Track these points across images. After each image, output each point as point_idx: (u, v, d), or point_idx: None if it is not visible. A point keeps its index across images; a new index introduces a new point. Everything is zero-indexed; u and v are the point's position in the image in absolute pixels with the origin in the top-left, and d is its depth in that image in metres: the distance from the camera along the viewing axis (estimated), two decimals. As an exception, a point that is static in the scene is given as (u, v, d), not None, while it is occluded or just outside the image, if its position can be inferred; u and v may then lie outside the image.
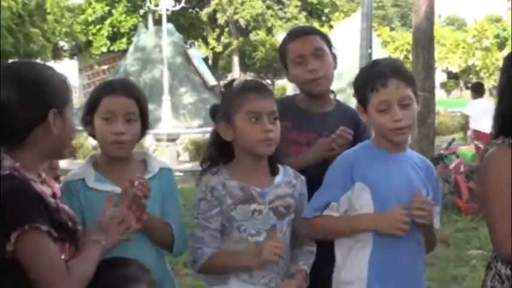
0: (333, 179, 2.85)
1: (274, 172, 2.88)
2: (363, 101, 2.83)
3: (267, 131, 2.75)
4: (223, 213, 2.78)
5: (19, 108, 2.23)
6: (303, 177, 2.96)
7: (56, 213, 2.22)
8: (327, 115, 3.31)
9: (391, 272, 2.82)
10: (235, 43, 42.86)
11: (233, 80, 2.98)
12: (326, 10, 44.24)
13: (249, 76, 42.96)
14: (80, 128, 2.86)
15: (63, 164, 2.87)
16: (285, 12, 42.84)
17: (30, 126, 2.25)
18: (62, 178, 3.02)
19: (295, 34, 3.44)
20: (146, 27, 25.36)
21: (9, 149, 2.26)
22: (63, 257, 2.20)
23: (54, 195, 2.31)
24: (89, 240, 2.35)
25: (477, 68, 40.29)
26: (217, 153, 2.89)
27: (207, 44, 44.20)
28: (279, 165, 2.91)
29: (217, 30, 43.81)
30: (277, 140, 2.80)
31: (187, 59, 23.69)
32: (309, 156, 3.18)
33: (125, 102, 2.80)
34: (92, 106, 2.82)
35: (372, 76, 2.80)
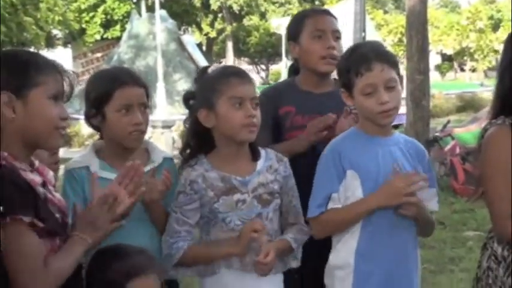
0: (326, 170, 2.84)
1: (255, 157, 2.85)
2: (347, 85, 2.82)
3: (250, 116, 2.72)
4: (205, 206, 2.75)
5: None
6: (285, 158, 2.93)
7: (44, 204, 2.18)
8: (329, 95, 3.28)
9: (378, 259, 2.82)
10: (228, 28, 42.75)
11: (207, 67, 2.94)
12: (320, -6, 44.14)
13: (243, 61, 43.01)
14: (75, 116, 2.84)
15: (59, 152, 2.85)
16: (278, -3, 42.69)
17: None
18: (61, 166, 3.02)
19: (316, 10, 3.50)
20: (139, 14, 25.26)
21: None
22: (51, 253, 2.18)
23: (44, 184, 2.26)
24: (75, 236, 2.30)
25: (471, 50, 40.26)
26: (195, 142, 2.85)
27: (200, 30, 44.05)
28: (260, 149, 2.87)
29: (211, 16, 43.66)
30: (259, 125, 2.77)
31: (181, 46, 23.64)
32: (299, 144, 3.16)
33: (138, 92, 2.82)
34: (101, 99, 2.79)
35: (356, 60, 2.79)
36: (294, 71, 3.49)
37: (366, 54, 2.79)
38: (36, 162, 2.33)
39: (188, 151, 2.86)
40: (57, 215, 2.25)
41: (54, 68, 2.27)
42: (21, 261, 2.09)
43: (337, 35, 3.31)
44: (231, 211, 2.75)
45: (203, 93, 2.80)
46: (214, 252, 2.76)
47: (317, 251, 2.92)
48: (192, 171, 2.77)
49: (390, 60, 2.81)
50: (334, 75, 3.36)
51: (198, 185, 2.75)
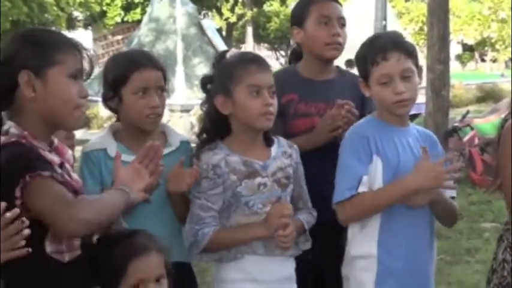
0: (355, 153, 2.80)
1: (269, 143, 2.86)
2: (364, 74, 2.81)
3: (267, 105, 2.73)
4: (228, 190, 2.75)
5: (2, 72, 2.19)
6: (295, 145, 2.94)
7: (62, 182, 2.18)
8: (332, 82, 3.29)
9: (399, 249, 2.82)
10: (249, 14, 42.62)
11: (226, 51, 2.93)
12: (341, -19, 43.90)
13: (263, 47, 42.92)
14: (94, 98, 2.85)
15: (77, 133, 2.86)
16: (299, -17, 42.47)
17: (9, 89, 2.19)
18: (76, 148, 3.02)
19: None
20: (160, -3, 25.27)
21: (11, 116, 2.23)
22: None
23: (61, 165, 2.26)
24: (113, 188, 2.34)
25: (493, 40, 39.94)
26: (212, 127, 2.84)
27: (221, 14, 43.95)
28: (273, 137, 2.88)
29: (231, 1, 43.56)
30: (275, 113, 2.78)
31: (201, 30, 23.62)
32: (314, 140, 3.14)
33: (156, 75, 2.82)
34: (117, 81, 2.79)
35: (372, 50, 2.79)
36: (295, 57, 3.46)
37: (383, 44, 2.79)
38: (56, 141, 2.34)
39: (205, 135, 2.86)
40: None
41: (73, 46, 2.27)
42: (52, 203, 2.09)
43: (342, 22, 3.30)
44: (254, 194, 2.76)
45: (221, 79, 2.79)
46: (241, 236, 2.76)
47: (323, 238, 2.97)
48: (213, 155, 2.77)
49: (408, 50, 2.80)
50: (337, 62, 3.38)
51: (221, 169, 2.75)
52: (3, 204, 1.98)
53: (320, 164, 2.99)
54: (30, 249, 2.04)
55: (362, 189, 2.75)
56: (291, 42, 3.48)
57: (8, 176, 2.07)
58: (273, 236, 2.72)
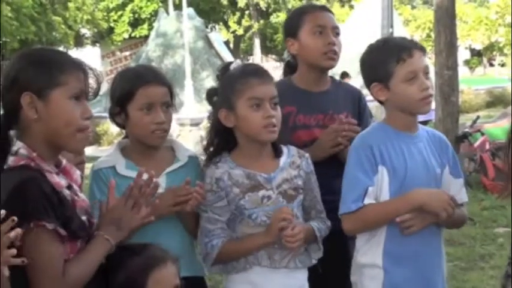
0: (359, 164, 2.79)
1: (278, 154, 2.85)
2: (384, 76, 2.80)
3: (269, 117, 2.72)
4: (231, 203, 2.75)
5: (4, 91, 2.20)
6: (307, 154, 2.92)
7: (69, 207, 2.19)
8: (328, 93, 3.28)
9: (406, 258, 2.82)
10: (256, 26, 42.76)
11: (229, 63, 2.93)
12: (346, -10, 44.03)
13: (270, 58, 43.00)
14: (104, 114, 2.85)
15: (88, 150, 2.86)
16: (305, -6, 42.66)
17: (14, 110, 2.19)
18: (87, 165, 3.03)
19: (315, 6, 3.45)
20: (167, 12, 25.34)
21: (18, 134, 2.22)
22: (70, 255, 2.18)
23: (69, 187, 2.25)
24: (99, 236, 2.29)
25: (501, 45, 39.94)
26: (218, 139, 2.84)
27: (227, 27, 44.13)
28: (282, 146, 2.87)
29: (238, 14, 43.70)
30: (279, 125, 2.77)
31: (209, 43, 23.68)
32: (318, 153, 3.10)
33: (161, 91, 2.81)
34: (123, 98, 2.79)
35: (395, 49, 2.79)
36: (290, 69, 3.45)
37: (404, 43, 2.84)
38: (64, 161, 2.33)
39: (212, 149, 2.86)
40: (84, 217, 2.26)
41: (77, 66, 2.25)
42: (41, 270, 2.10)
43: (336, 31, 3.28)
44: (257, 207, 2.75)
45: (223, 93, 2.81)
46: (247, 245, 2.76)
47: (336, 248, 2.95)
48: (216, 169, 2.78)
49: (423, 49, 2.84)
50: (331, 73, 3.38)
51: (224, 183, 2.75)
52: (3, 212, 1.96)
53: (322, 173, 2.96)
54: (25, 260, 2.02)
55: (368, 200, 2.75)
56: (285, 54, 3.46)
57: (15, 211, 2.01)
58: (277, 242, 2.72)
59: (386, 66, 2.79)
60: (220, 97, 2.82)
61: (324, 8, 3.39)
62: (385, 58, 2.80)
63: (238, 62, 2.95)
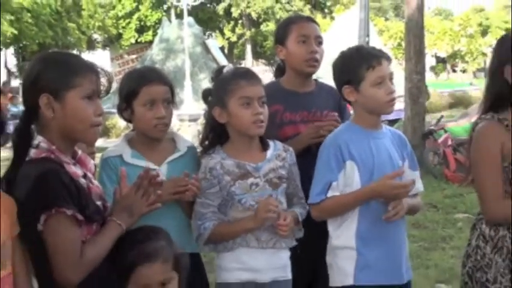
0: (326, 161, 2.83)
1: (265, 147, 2.86)
2: (354, 79, 2.82)
3: (257, 114, 2.74)
4: (223, 189, 2.76)
5: (25, 91, 2.21)
6: (291, 148, 2.94)
7: (85, 194, 2.19)
8: (312, 94, 3.29)
9: (376, 240, 2.84)
10: (248, 34, 42.73)
11: (222, 67, 2.95)
12: (328, 3, 44.00)
13: (260, 63, 42.93)
14: (113, 110, 2.85)
15: (97, 142, 2.85)
16: (291, 6, 42.56)
17: (31, 109, 2.19)
18: (97, 155, 3.03)
19: (301, 17, 3.46)
20: (169, 20, 25.35)
21: (38, 129, 2.22)
22: (87, 237, 2.17)
23: (85, 176, 2.25)
24: (111, 221, 2.27)
25: (462, 53, 39.98)
26: (212, 134, 2.86)
27: (223, 34, 44.05)
28: (269, 140, 2.89)
29: (232, 23, 43.65)
30: (266, 121, 2.79)
31: (206, 49, 23.65)
32: (297, 145, 3.10)
33: (163, 89, 2.81)
34: (129, 95, 2.80)
35: (366, 57, 2.82)
36: (280, 72, 3.46)
37: (374, 52, 2.86)
38: (79, 152, 2.33)
39: (206, 142, 2.87)
40: (99, 202, 2.25)
41: (89, 69, 2.24)
42: (61, 251, 2.10)
43: (319, 40, 3.28)
44: (246, 193, 2.77)
45: (217, 93, 2.82)
46: (236, 228, 2.77)
47: (314, 233, 2.93)
48: (210, 160, 2.79)
49: (389, 58, 2.87)
50: (315, 76, 3.37)
51: (217, 171, 2.76)
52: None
53: (302, 165, 2.96)
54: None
55: (331, 193, 2.79)
56: (277, 57, 3.47)
57: (38, 200, 2.07)
58: (262, 228, 2.75)
59: (358, 71, 2.80)
60: (214, 97, 2.83)
61: (309, 19, 3.39)
62: (357, 64, 2.82)
63: (231, 66, 2.98)
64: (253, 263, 2.79)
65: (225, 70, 2.89)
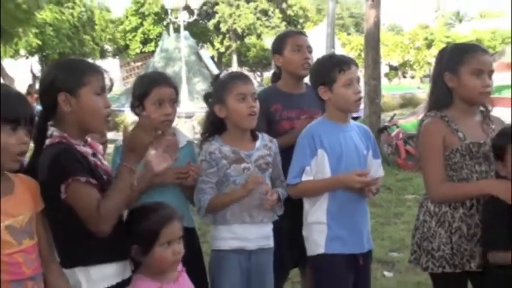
0: (301, 149, 2.84)
1: (254, 138, 2.88)
2: (328, 81, 2.83)
3: (252, 107, 2.77)
4: (220, 170, 2.77)
5: (47, 92, 2.21)
6: (274, 140, 2.96)
7: (93, 169, 2.18)
8: (304, 94, 3.34)
9: (344, 216, 2.86)
10: (234, 45, 42.65)
11: (219, 74, 3.02)
12: (300, 20, 44.00)
13: (244, 70, 42.83)
14: (122, 108, 2.83)
15: (109, 135, 2.86)
16: (270, 22, 42.56)
17: (51, 106, 2.19)
18: (109, 145, 3.01)
19: (295, 31, 3.59)
20: (168, 34, 25.13)
21: (54, 124, 2.22)
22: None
23: (94, 154, 2.25)
24: (122, 166, 2.16)
25: (411, 62, 40.12)
26: (212, 127, 2.87)
27: (213, 46, 43.90)
28: (258, 133, 2.91)
29: (221, 36, 43.53)
30: (258, 113, 2.81)
31: (199, 58, 23.51)
32: (292, 136, 3.10)
33: (170, 91, 2.82)
34: (142, 95, 2.80)
35: (338, 62, 2.84)
36: (275, 77, 3.51)
37: (344, 59, 2.89)
38: (89, 139, 2.32)
39: (207, 134, 2.89)
40: (105, 177, 2.24)
41: (96, 69, 2.25)
42: (82, 210, 2.10)
43: (309, 50, 3.39)
44: (239, 175, 2.78)
45: (217, 92, 2.84)
46: (229, 197, 2.77)
47: (291, 211, 2.96)
48: (210, 145, 2.81)
49: (357, 64, 2.90)
50: (306, 80, 3.38)
51: (215, 155, 2.78)
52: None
53: (284, 156, 2.97)
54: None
55: (305, 177, 2.81)
56: (273, 65, 3.54)
57: (56, 174, 2.08)
58: (253, 206, 2.77)
59: (331, 74, 2.82)
60: (215, 96, 2.85)
61: (301, 33, 3.53)
62: (330, 68, 2.84)
63: (226, 72, 3.05)
64: (244, 234, 2.80)
65: (222, 75, 2.96)
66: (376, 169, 2.97)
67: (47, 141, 2.16)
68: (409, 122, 11.33)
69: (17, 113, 1.96)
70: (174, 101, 2.84)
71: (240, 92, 2.78)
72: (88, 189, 2.10)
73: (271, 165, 2.89)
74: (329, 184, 2.82)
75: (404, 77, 43.74)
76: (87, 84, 2.18)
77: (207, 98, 2.94)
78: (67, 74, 2.18)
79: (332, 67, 2.84)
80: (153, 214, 2.31)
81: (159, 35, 33.02)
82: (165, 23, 37.92)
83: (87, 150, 2.22)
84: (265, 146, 2.89)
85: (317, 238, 2.86)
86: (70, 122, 2.19)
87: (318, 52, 3.49)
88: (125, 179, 2.15)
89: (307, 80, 3.26)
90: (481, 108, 2.79)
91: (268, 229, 2.89)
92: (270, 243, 2.91)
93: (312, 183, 2.82)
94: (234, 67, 41.22)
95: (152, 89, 2.79)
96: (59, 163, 2.08)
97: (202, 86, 21.65)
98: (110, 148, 2.96)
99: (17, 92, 2.12)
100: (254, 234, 2.82)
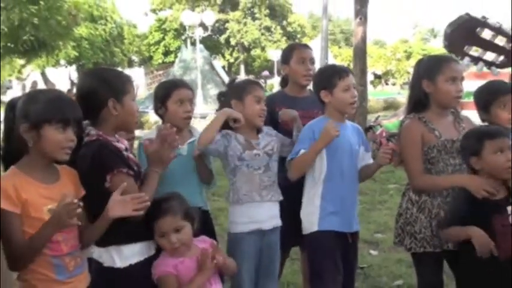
0: (302, 139, 2.83)
1: (259, 131, 2.90)
2: (329, 86, 2.82)
3: (263, 110, 2.82)
4: (234, 155, 2.76)
5: (92, 97, 2.21)
6: (274, 131, 2.96)
7: (127, 161, 2.22)
8: (307, 98, 3.29)
9: (335, 199, 2.83)
10: (241, 57, 42.63)
11: (235, 78, 3.05)
12: (298, 35, 43.97)
13: (250, 77, 42.81)
14: (146, 110, 2.82)
15: (135, 132, 2.85)
16: (272, 37, 42.54)
17: (99, 109, 2.21)
18: (135, 141, 3.00)
19: (301, 44, 3.48)
20: (186, 47, 25.10)
21: (91, 123, 2.23)
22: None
23: (126, 149, 2.29)
24: (151, 171, 2.30)
25: (393, 72, 40.11)
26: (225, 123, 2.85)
27: (224, 57, 43.87)
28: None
29: (230, 49, 43.50)
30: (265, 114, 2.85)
31: (212, 67, 23.49)
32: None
33: (188, 92, 2.84)
34: (164, 97, 2.81)
35: (338, 70, 2.84)
36: (284, 83, 3.47)
37: (343, 68, 2.88)
38: (117, 136, 2.34)
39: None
40: (135, 168, 2.27)
41: (131, 80, 2.31)
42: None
43: (312, 61, 3.34)
44: (252, 160, 2.79)
45: (235, 90, 2.88)
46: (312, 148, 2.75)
47: (293, 196, 2.92)
48: (227, 132, 2.81)
49: (352, 73, 2.89)
50: (310, 87, 3.36)
51: (231, 137, 2.78)
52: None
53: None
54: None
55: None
56: (282, 72, 3.48)
57: (103, 166, 2.11)
58: (263, 187, 2.77)
59: (332, 80, 2.81)
60: (232, 93, 2.87)
61: (306, 46, 3.45)
62: (331, 75, 2.82)
63: (240, 78, 3.08)
64: (258, 216, 2.78)
65: (237, 80, 3.02)
66: (367, 159, 2.98)
67: (86, 139, 2.16)
68: (391, 122, 11.27)
69: (68, 114, 1.98)
70: (192, 101, 2.86)
71: (257, 94, 2.83)
72: (129, 178, 2.14)
73: (277, 149, 2.89)
74: (312, 148, 2.72)
75: (387, 84, 43.64)
76: (129, 92, 2.26)
77: (220, 96, 2.98)
78: (115, 84, 2.22)
79: (333, 74, 2.83)
80: (152, 208, 2.23)
81: (178, 48, 33.04)
82: (183, 37, 37.90)
83: (120, 145, 2.25)
84: (267, 133, 2.92)
85: (311, 218, 2.84)
86: (113, 123, 2.23)
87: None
88: (154, 180, 2.28)
89: (310, 86, 3.25)
90: (452, 110, 2.79)
91: (276, 208, 2.88)
92: (280, 222, 2.89)
93: (300, 156, 2.76)
94: (242, 75, 41.17)
95: (173, 91, 2.80)
96: (102, 156, 2.11)
97: (214, 91, 21.58)
98: (136, 143, 2.94)
99: (68, 96, 2.13)
100: (266, 215, 2.80)
